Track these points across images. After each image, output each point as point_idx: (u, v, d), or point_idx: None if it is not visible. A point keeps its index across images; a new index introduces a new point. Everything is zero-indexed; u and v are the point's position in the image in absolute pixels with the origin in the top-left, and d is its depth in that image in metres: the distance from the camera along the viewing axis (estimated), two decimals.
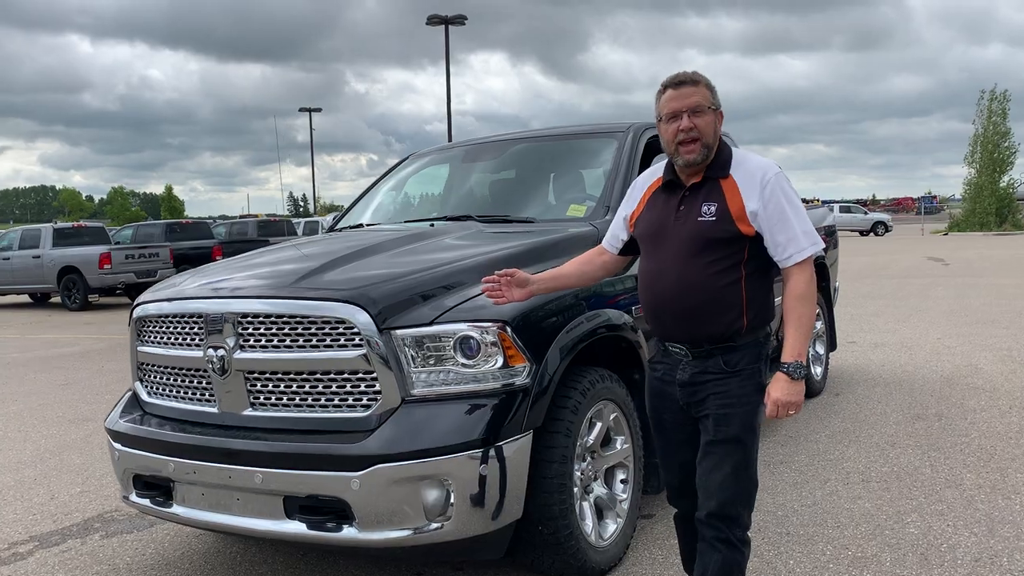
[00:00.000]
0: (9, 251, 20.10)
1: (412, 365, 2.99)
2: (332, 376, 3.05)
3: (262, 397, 3.17)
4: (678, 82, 2.61)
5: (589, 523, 3.45)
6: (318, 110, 48.26)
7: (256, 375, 3.16)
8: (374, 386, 3.00)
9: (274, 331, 3.11)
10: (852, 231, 45.07)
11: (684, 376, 2.66)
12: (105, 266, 18.30)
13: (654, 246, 2.69)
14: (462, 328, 3.02)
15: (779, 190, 2.55)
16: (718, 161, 2.62)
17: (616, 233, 2.95)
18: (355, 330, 2.98)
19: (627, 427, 3.71)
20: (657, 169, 2.82)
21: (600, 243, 3.21)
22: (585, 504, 3.48)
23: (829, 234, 7.15)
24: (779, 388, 2.54)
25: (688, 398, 2.67)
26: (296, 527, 3.03)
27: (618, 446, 3.68)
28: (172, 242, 21.21)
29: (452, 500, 2.92)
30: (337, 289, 3.08)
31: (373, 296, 3.02)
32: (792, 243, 2.53)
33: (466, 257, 3.41)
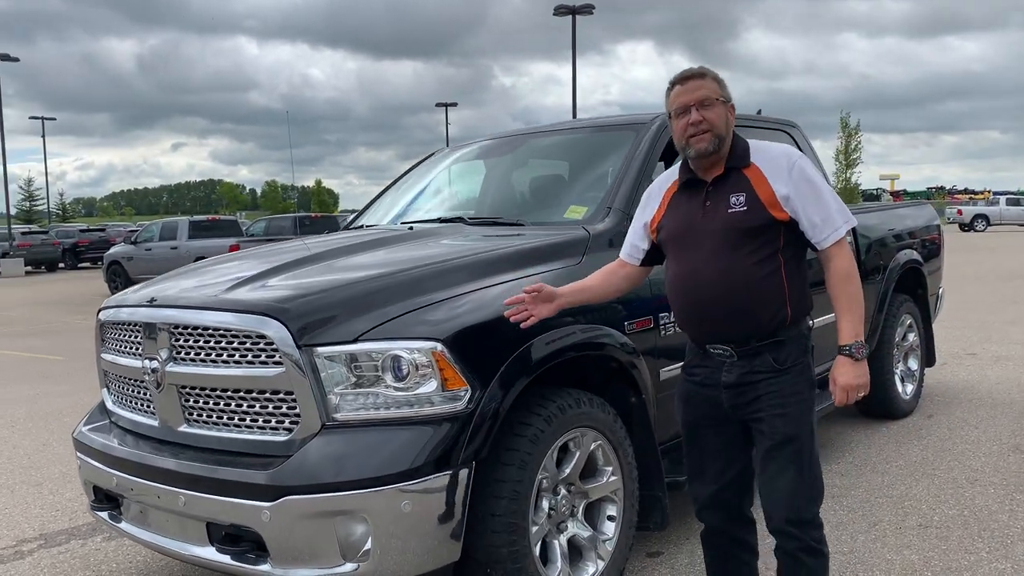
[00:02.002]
0: (151, 242, 21.31)
1: (335, 386, 2.71)
2: (255, 395, 2.82)
3: (195, 413, 2.98)
4: (684, 77, 2.58)
5: (558, 565, 3.07)
6: (454, 104, 48.83)
7: (188, 390, 2.97)
8: (295, 408, 2.75)
9: (201, 344, 2.91)
10: (1021, 226, 41.48)
11: (731, 378, 2.57)
12: None
13: (682, 248, 2.60)
14: (391, 347, 2.71)
15: (808, 171, 2.51)
16: (736, 151, 2.57)
17: (635, 243, 2.84)
18: (274, 346, 2.73)
19: (615, 457, 3.30)
20: (672, 172, 2.75)
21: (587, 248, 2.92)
22: (555, 543, 3.10)
23: (932, 234, 6.37)
24: (844, 372, 2.48)
25: (735, 399, 2.57)
26: (219, 556, 2.81)
27: (604, 478, 3.28)
28: (301, 235, 21.91)
29: (371, 539, 2.63)
30: (257, 301, 2.84)
31: (293, 308, 2.75)
32: (828, 223, 2.48)
33: (417, 266, 3.08)
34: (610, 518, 3.32)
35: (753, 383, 2.54)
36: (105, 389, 3.53)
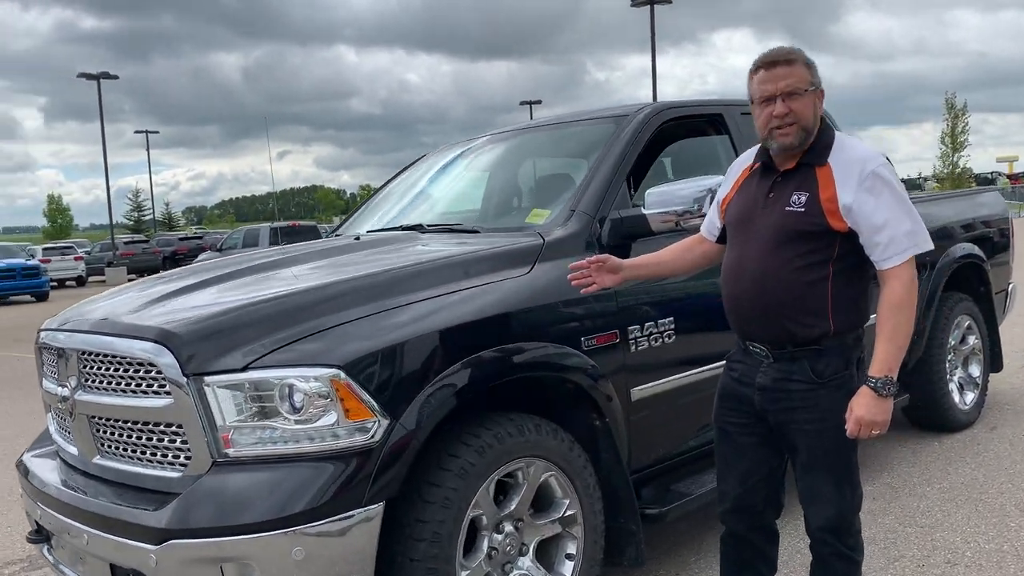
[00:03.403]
0: (235, 250, 21.84)
1: (227, 419, 2.47)
2: (151, 427, 2.61)
3: (104, 444, 2.80)
4: (770, 62, 2.38)
5: None
6: (538, 102, 48.46)
7: (96, 419, 2.80)
8: (188, 442, 2.52)
9: (102, 371, 2.73)
10: None
11: (765, 380, 2.46)
12: None
13: (740, 235, 2.50)
14: (285, 375, 2.45)
15: (880, 183, 2.30)
16: (817, 146, 2.39)
17: (712, 220, 2.74)
18: (163, 374, 2.51)
19: (573, 489, 2.96)
20: (755, 150, 2.61)
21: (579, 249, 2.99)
22: None
23: (995, 226, 5.72)
24: (863, 405, 2.30)
25: (768, 404, 2.47)
26: None
27: (560, 512, 2.95)
28: None
29: None
30: (147, 325, 2.63)
31: (183, 334, 2.52)
32: (892, 244, 2.30)
33: (331, 283, 2.80)
34: (568, 556, 2.99)
35: (788, 391, 2.42)
36: (50, 415, 3.41)
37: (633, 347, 3.18)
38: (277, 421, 2.46)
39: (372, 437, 2.46)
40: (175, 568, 2.41)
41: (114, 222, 39.01)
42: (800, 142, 2.37)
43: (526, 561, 2.90)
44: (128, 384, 2.64)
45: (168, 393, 2.51)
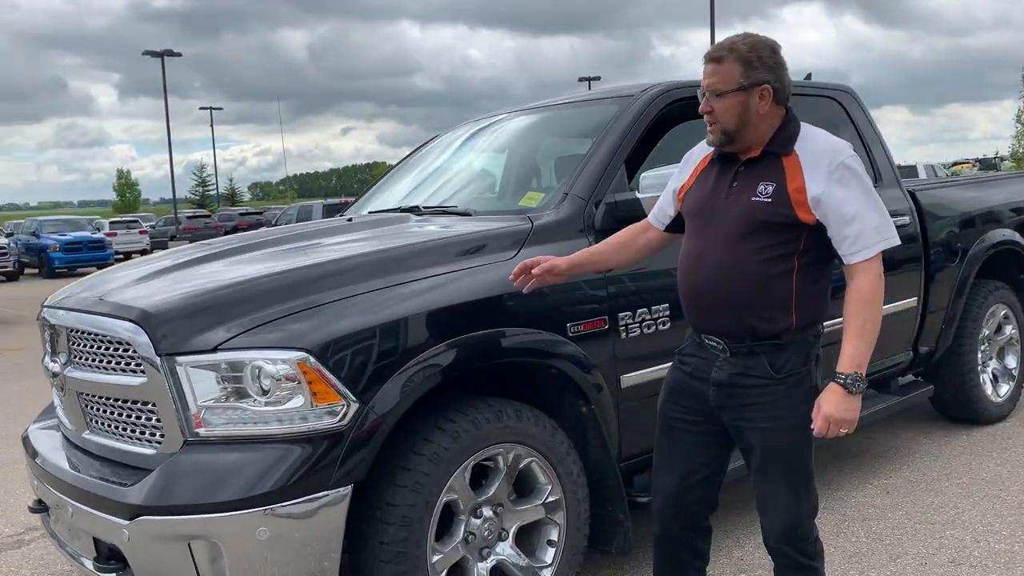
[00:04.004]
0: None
1: (199, 399, 2.50)
2: (130, 405, 2.66)
3: (93, 420, 2.86)
4: (706, 58, 2.34)
5: None
6: (597, 79, 48.00)
7: (85, 395, 2.86)
8: (161, 420, 2.56)
9: (89, 349, 2.79)
10: None
11: (721, 375, 2.38)
12: None
13: (700, 225, 2.41)
14: (253, 357, 2.47)
15: (849, 175, 2.24)
16: (780, 136, 2.32)
17: (664, 208, 2.65)
18: (138, 353, 2.55)
19: (555, 475, 2.94)
20: None
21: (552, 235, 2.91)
22: (474, 571, 2.80)
23: None
24: (832, 402, 2.23)
25: (724, 400, 2.39)
26: (97, 574, 2.69)
27: (541, 499, 2.93)
28: None
29: (228, 568, 2.41)
30: (125, 304, 2.67)
31: (157, 313, 2.55)
32: (861, 237, 2.23)
33: (307, 265, 2.80)
34: (550, 543, 2.98)
35: (744, 387, 2.35)
36: (54, 388, 3.50)
37: (624, 334, 3.12)
38: (247, 402, 2.48)
39: (341, 420, 2.47)
40: (146, 544, 2.46)
41: (180, 197, 39.93)
42: (723, 142, 2.33)
43: (505, 547, 2.89)
44: (109, 361, 2.69)
45: (143, 372, 2.55)
